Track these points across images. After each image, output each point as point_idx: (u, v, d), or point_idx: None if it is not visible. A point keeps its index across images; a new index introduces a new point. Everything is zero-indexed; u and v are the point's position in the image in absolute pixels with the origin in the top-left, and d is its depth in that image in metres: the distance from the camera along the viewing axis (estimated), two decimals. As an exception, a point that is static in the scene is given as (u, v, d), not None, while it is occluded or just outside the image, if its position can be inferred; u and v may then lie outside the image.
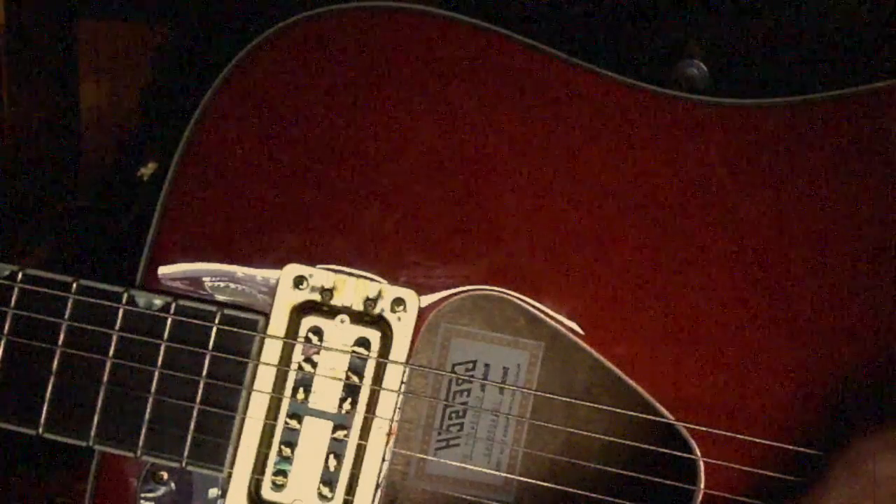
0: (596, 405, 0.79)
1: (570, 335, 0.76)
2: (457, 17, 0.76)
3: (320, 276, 0.77)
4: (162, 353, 0.76)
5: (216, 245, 0.77)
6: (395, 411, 0.76)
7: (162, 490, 0.78)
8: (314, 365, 0.77)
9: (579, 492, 0.77)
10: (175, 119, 0.79)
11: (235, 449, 0.76)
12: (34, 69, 1.03)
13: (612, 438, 0.79)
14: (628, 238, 0.75)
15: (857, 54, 0.86)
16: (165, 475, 0.78)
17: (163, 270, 0.78)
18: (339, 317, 0.77)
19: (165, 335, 0.76)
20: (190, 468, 0.77)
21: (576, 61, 0.76)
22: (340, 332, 0.77)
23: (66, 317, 0.77)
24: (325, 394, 0.77)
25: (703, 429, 0.74)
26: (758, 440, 0.74)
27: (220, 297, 0.78)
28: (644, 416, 0.75)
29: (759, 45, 0.88)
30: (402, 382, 0.76)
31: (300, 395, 0.77)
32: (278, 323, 0.77)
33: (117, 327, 0.76)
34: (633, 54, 0.88)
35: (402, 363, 0.76)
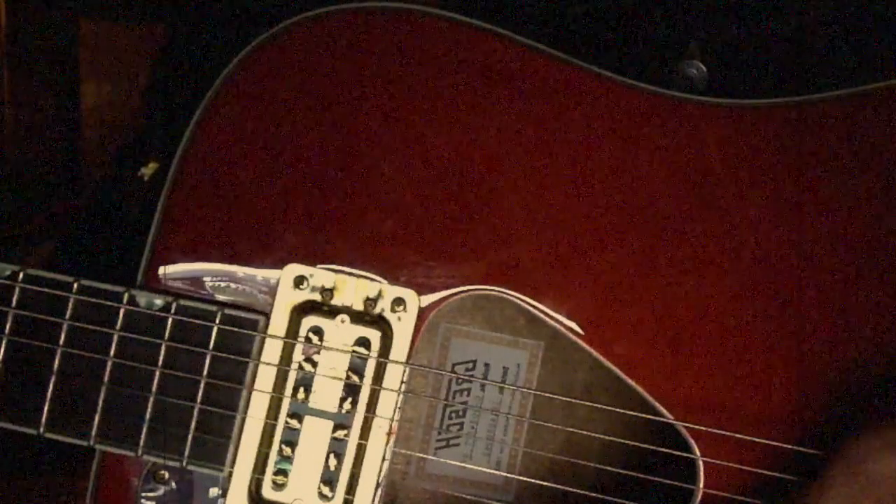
0: (596, 405, 0.79)
1: (570, 335, 0.76)
2: (457, 17, 0.76)
3: (321, 275, 0.77)
4: (163, 352, 0.76)
5: (217, 245, 0.77)
6: (395, 411, 0.77)
7: (163, 489, 0.78)
8: (314, 364, 0.77)
9: (579, 491, 0.77)
10: (175, 119, 0.79)
11: (236, 448, 0.76)
12: (34, 69, 1.03)
13: (612, 438, 0.79)
14: (628, 238, 0.75)
15: (857, 54, 0.87)
16: (166, 474, 0.78)
17: (163, 270, 0.78)
18: (340, 316, 0.77)
19: (166, 335, 0.76)
20: (191, 467, 0.77)
21: (576, 61, 0.76)
22: (341, 332, 0.77)
23: (67, 317, 0.77)
24: (326, 393, 0.77)
25: (703, 428, 0.74)
26: (757, 440, 0.74)
27: (220, 297, 0.78)
28: (644, 415, 0.75)
29: (759, 45, 0.88)
30: (402, 382, 0.77)
31: (300, 395, 0.77)
32: (279, 323, 0.77)
33: (118, 327, 0.76)
34: (633, 54, 0.89)
35: (402, 363, 0.77)
